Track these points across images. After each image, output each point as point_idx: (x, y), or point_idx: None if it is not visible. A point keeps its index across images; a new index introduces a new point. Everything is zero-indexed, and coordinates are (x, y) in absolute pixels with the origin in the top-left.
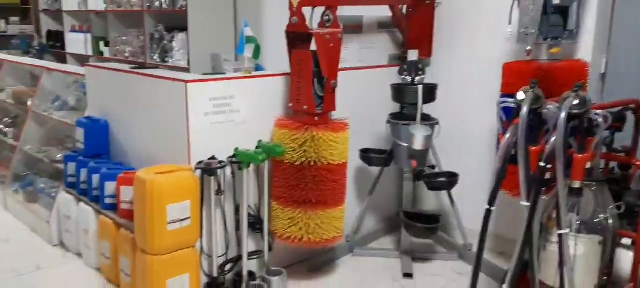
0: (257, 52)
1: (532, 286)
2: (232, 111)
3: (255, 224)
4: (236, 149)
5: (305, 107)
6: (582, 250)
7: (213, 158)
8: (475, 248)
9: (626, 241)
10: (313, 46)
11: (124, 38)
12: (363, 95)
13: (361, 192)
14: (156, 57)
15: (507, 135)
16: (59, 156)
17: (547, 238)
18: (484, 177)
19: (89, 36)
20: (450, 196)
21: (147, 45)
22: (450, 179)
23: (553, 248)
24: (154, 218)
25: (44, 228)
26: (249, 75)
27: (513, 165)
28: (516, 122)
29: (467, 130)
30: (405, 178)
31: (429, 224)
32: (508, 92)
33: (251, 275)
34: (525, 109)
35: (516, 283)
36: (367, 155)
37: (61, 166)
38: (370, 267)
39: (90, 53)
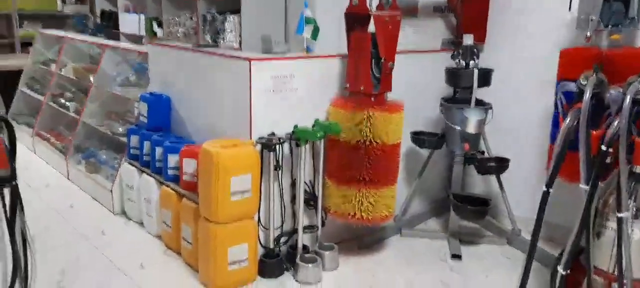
0: (315, 33)
1: (588, 270)
2: (290, 89)
3: (310, 200)
4: (295, 126)
5: (362, 87)
6: (639, 235)
7: (272, 134)
8: (524, 234)
9: None
10: (370, 28)
11: (177, 19)
12: (415, 78)
13: (410, 174)
14: (208, 38)
15: (568, 119)
16: (120, 129)
17: (603, 224)
18: (533, 163)
19: (142, 17)
20: (499, 181)
21: (200, 26)
22: (501, 164)
23: (609, 233)
24: (219, 189)
25: (105, 197)
26: (307, 55)
27: (570, 151)
28: (578, 106)
29: (518, 116)
30: (456, 162)
31: (479, 207)
32: (565, 78)
33: (304, 248)
34: (588, 93)
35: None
36: (418, 137)
37: (122, 139)
38: (418, 247)
39: (143, 33)
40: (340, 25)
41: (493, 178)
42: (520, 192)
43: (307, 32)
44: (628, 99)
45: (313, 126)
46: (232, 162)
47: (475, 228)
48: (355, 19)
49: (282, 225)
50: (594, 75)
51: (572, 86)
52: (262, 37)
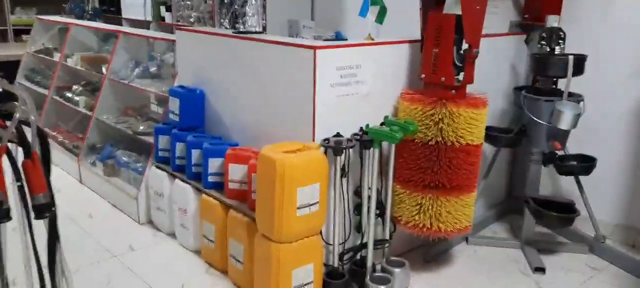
0: (382, 15)
1: None
2: (357, 82)
3: (376, 209)
4: (367, 126)
5: (443, 78)
6: None
7: (338, 135)
8: (608, 241)
9: None
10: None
11: (189, 2)
12: (482, 66)
13: None
14: (226, 23)
15: None
16: (141, 127)
17: None
18: (620, 162)
19: (148, 0)
20: (579, 182)
21: (216, 9)
22: (586, 163)
23: None
24: (283, 203)
25: (128, 205)
26: (375, 42)
27: None
28: None
29: (601, 109)
30: (533, 161)
31: (563, 213)
32: None
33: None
34: None
35: None
36: (491, 133)
37: (145, 138)
38: (490, 257)
39: (149, 18)
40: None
41: (564, 178)
42: (601, 194)
43: (373, 14)
44: None
45: (382, 124)
46: (300, 170)
47: (548, 235)
48: None
49: (345, 240)
50: None
51: None
52: (289, 21)
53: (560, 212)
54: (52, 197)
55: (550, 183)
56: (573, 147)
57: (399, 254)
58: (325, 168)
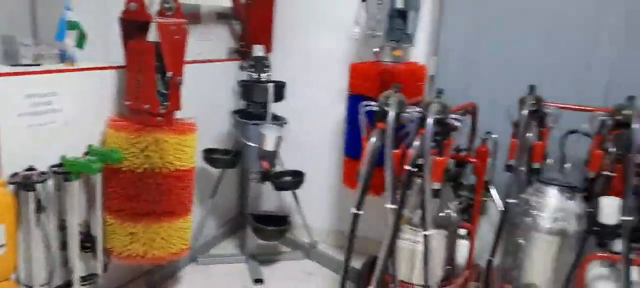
0: (81, 40)
1: (394, 282)
2: (53, 111)
3: (85, 243)
4: (63, 157)
5: (146, 106)
6: (432, 244)
7: (31, 169)
8: (320, 246)
9: (462, 232)
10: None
11: None
12: (201, 89)
13: (200, 194)
14: None
15: (373, 139)
16: None
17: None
18: (328, 175)
19: None
20: (295, 195)
21: None
22: (297, 179)
23: (404, 244)
24: None
25: None
26: (73, 68)
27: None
28: (381, 126)
29: (311, 129)
30: (251, 179)
31: (279, 226)
32: (356, 92)
33: None
34: (392, 114)
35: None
36: (211, 156)
37: None
38: (216, 275)
39: None
40: (111, 30)
41: (288, 192)
42: (317, 203)
43: (71, 39)
44: (430, 120)
45: (86, 153)
46: None
47: (272, 246)
48: (133, 26)
49: (49, 282)
50: (395, 95)
51: (373, 105)
52: (2, 38)
53: (276, 225)
54: None
55: (276, 198)
56: (290, 163)
57: (122, 285)
58: (10, 207)
